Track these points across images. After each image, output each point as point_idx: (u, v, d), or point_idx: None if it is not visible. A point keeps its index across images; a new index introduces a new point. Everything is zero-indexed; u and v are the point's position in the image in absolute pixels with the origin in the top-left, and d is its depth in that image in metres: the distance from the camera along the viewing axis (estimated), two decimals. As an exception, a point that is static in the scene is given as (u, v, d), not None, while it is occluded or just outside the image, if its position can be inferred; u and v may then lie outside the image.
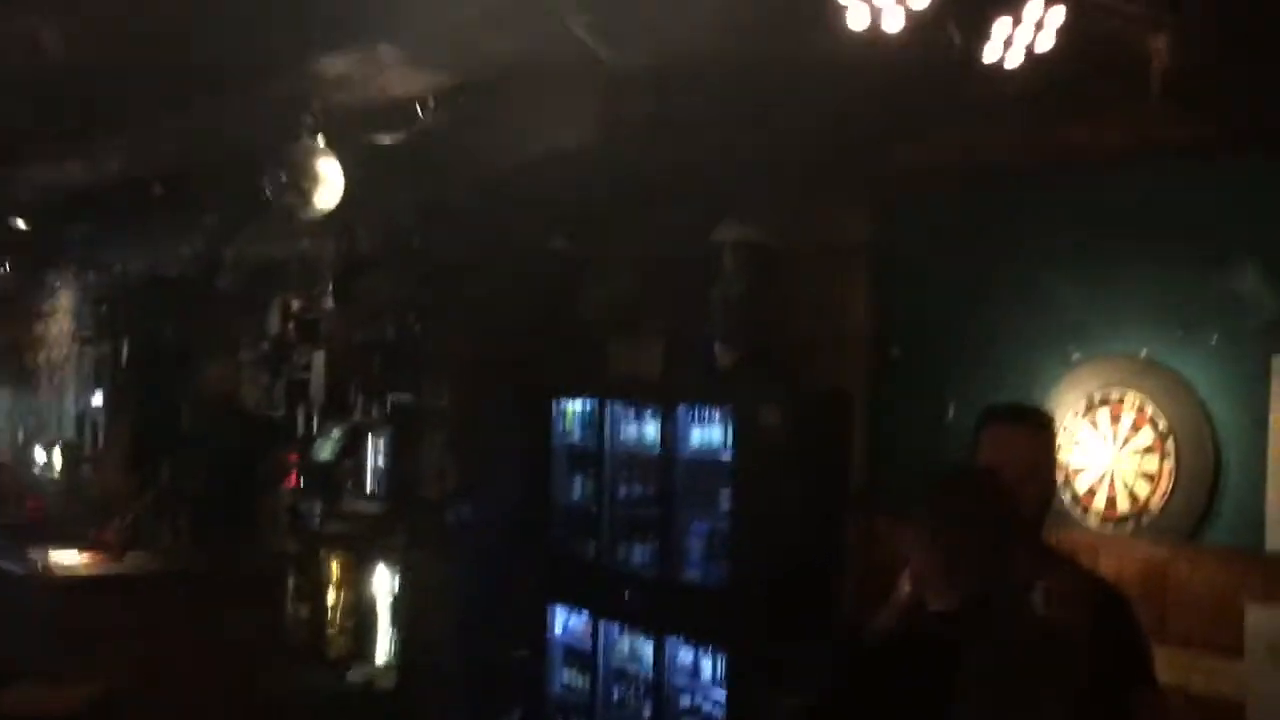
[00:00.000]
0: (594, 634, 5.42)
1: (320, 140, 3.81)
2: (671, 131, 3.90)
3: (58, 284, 10.26)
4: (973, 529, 2.33)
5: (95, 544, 5.31)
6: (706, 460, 4.79)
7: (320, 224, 6.52)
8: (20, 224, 6.70)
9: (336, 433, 7.62)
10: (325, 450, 7.65)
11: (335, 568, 7.38)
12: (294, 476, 7.81)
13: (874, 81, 3.36)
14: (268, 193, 3.86)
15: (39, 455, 8.64)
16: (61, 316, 10.19)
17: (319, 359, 7.84)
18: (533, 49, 3.14)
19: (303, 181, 3.75)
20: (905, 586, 2.49)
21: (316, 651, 7.09)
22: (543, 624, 5.71)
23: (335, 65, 3.32)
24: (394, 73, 3.35)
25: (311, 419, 7.91)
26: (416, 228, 5.65)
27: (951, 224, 4.20)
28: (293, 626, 7.27)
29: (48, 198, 6.36)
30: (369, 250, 6.74)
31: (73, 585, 4.76)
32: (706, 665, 4.90)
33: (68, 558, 5.01)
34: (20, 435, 10.39)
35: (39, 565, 4.81)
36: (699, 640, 4.89)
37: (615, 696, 5.37)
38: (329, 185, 3.85)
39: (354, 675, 6.48)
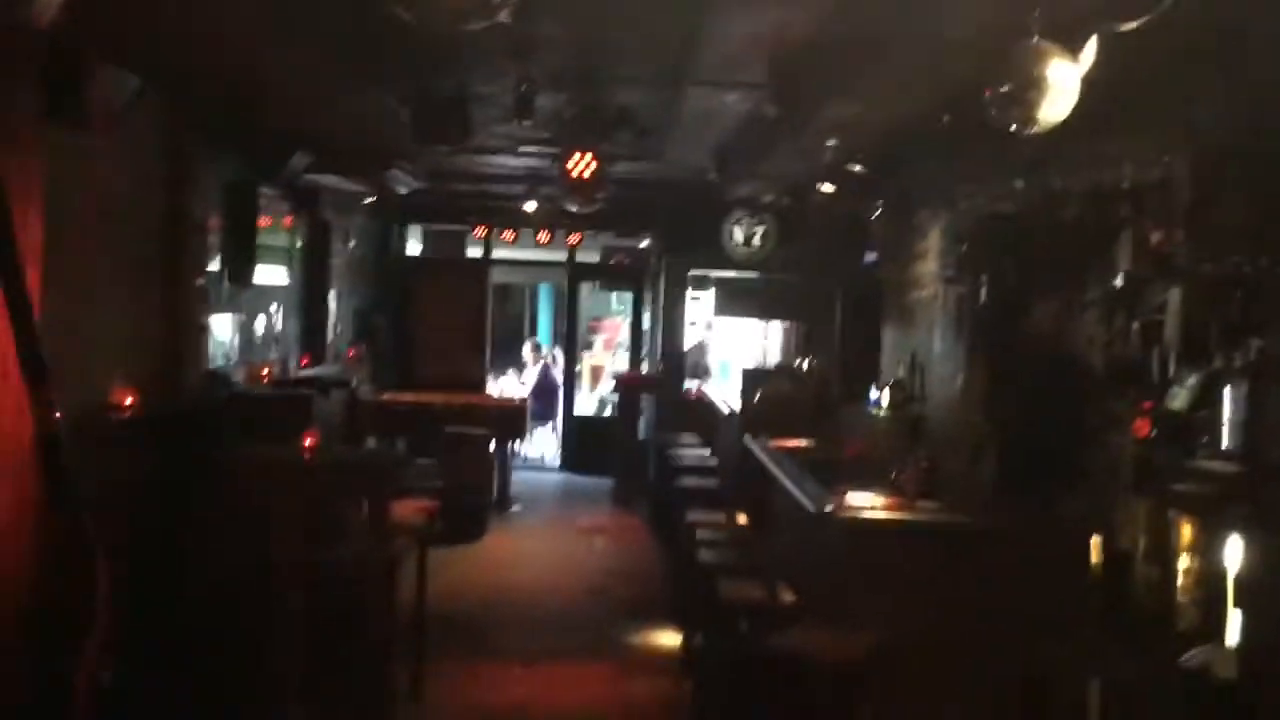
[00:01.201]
0: None
1: (1048, 41, 3.20)
2: None
3: (930, 225, 10.53)
4: None
5: (893, 488, 5.27)
6: None
7: (1158, 146, 5.77)
8: (858, 169, 6.91)
9: (1192, 380, 6.80)
10: (1179, 399, 6.88)
11: (1183, 531, 6.60)
12: (1144, 426, 7.13)
13: None
14: (989, 107, 3.36)
15: (875, 395, 8.93)
16: (930, 258, 10.44)
17: (1174, 297, 7.03)
18: None
19: (1026, 91, 3.19)
20: None
21: (1157, 625, 6.41)
22: None
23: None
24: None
25: (1166, 364, 7.17)
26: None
27: None
28: (1132, 594, 6.67)
29: (881, 140, 6.48)
30: (1220, 168, 5.80)
31: (859, 529, 4.75)
32: None
33: (861, 499, 5.02)
34: (882, 375, 10.88)
35: (831, 505, 4.87)
36: None
37: None
38: (1058, 93, 3.24)
39: (1189, 658, 5.67)
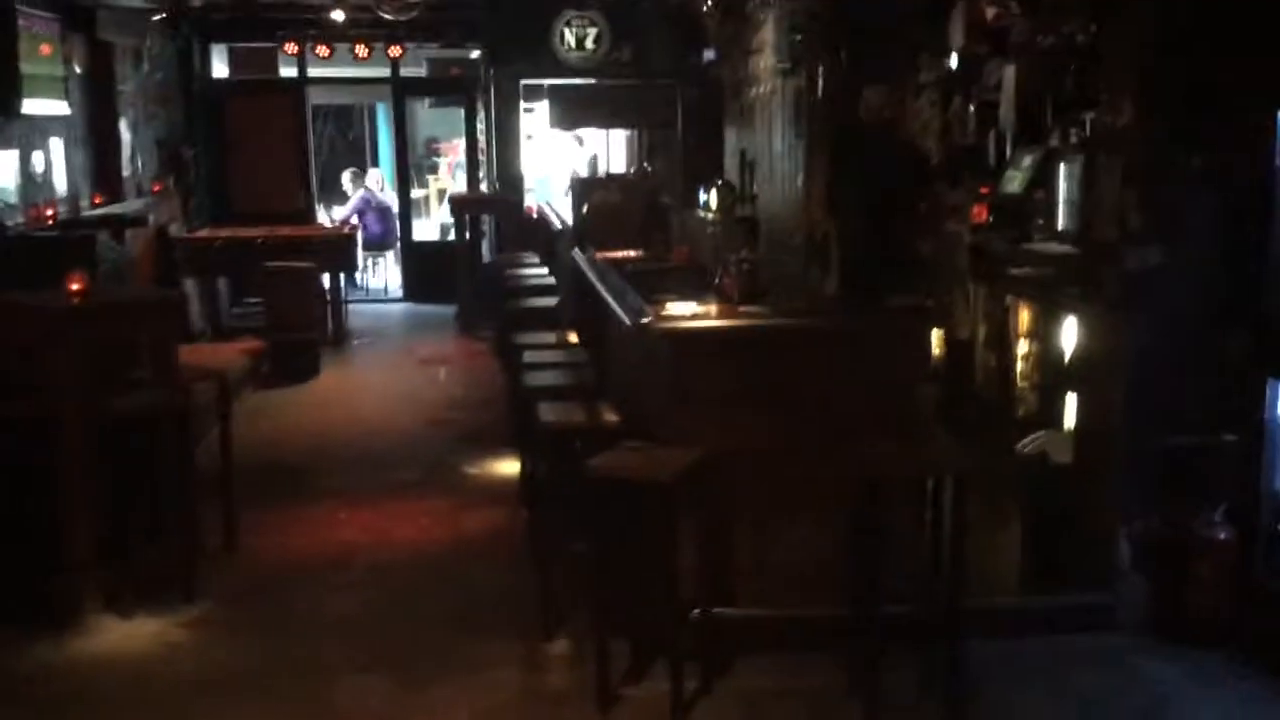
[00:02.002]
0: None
1: None
2: None
3: (763, 18, 10.05)
4: None
5: (716, 292, 4.95)
6: None
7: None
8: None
9: (1027, 161, 6.58)
10: (1014, 182, 6.67)
11: (1020, 317, 6.47)
12: (981, 212, 6.92)
13: None
14: None
15: (701, 196, 8.59)
16: (766, 52, 9.98)
17: (1009, 75, 6.73)
18: None
19: None
20: None
21: (998, 414, 6.34)
22: (1256, 402, 4.48)
23: None
24: None
25: (1002, 147, 6.93)
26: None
27: None
28: (972, 384, 6.58)
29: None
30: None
31: (675, 338, 4.41)
32: None
33: (681, 308, 4.68)
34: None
35: (649, 316, 4.51)
36: None
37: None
38: None
39: (1026, 445, 5.58)
